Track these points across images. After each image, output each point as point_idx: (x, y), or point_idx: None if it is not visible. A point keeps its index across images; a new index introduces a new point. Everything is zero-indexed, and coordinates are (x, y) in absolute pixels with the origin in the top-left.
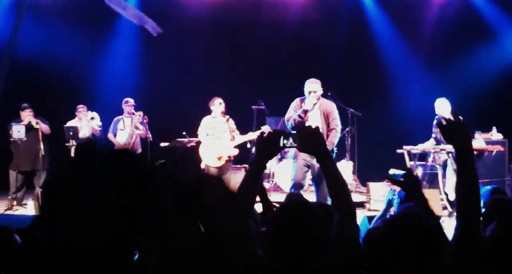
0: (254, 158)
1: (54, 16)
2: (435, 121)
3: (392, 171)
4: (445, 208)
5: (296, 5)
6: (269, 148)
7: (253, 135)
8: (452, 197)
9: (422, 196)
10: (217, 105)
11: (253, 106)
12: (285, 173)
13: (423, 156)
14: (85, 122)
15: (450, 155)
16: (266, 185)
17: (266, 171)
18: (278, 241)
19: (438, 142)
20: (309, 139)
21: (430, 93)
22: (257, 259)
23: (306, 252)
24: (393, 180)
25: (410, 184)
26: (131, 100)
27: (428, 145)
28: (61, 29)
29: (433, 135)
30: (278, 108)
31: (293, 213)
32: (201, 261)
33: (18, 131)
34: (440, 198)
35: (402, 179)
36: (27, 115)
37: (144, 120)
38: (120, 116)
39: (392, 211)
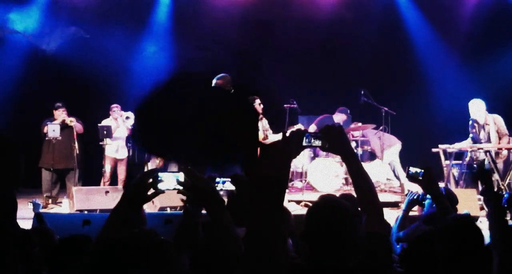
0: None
1: (88, 15)
2: (470, 122)
3: (412, 169)
4: (482, 208)
5: (327, 3)
6: (292, 147)
7: None
8: None
9: (440, 194)
10: (257, 105)
11: (285, 105)
12: (318, 171)
13: (460, 155)
14: (121, 122)
15: (487, 154)
16: (299, 184)
17: (299, 170)
18: (311, 240)
19: (475, 142)
20: (334, 138)
21: (465, 91)
22: (290, 259)
23: (340, 251)
24: (413, 177)
25: (427, 182)
26: None
27: (464, 144)
28: (95, 28)
29: (471, 135)
30: (310, 106)
31: (326, 210)
32: (233, 260)
33: (53, 131)
34: (478, 198)
35: (421, 178)
36: (60, 115)
37: None
38: None
39: (421, 211)
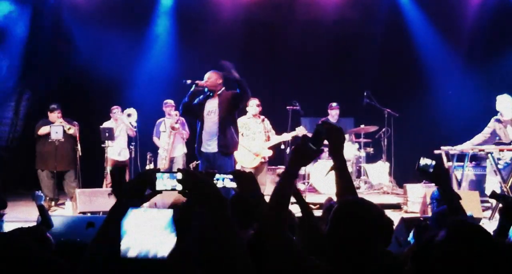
0: (288, 166)
1: (90, 17)
2: (496, 117)
3: (423, 161)
4: (485, 210)
5: (331, 4)
6: (304, 154)
7: (287, 136)
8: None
9: (452, 190)
10: (254, 106)
11: (287, 107)
12: (321, 173)
13: (462, 157)
14: (121, 123)
15: (489, 155)
16: (301, 186)
17: (301, 172)
18: (337, 242)
19: (495, 139)
20: (337, 140)
21: (468, 93)
22: (313, 264)
23: (368, 252)
24: (424, 170)
25: (439, 176)
26: (170, 102)
27: (467, 145)
28: (97, 30)
29: (486, 132)
30: (313, 108)
31: (352, 210)
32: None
33: (56, 133)
34: (480, 199)
35: (431, 170)
36: (55, 117)
37: (179, 121)
38: (162, 119)
39: (422, 213)
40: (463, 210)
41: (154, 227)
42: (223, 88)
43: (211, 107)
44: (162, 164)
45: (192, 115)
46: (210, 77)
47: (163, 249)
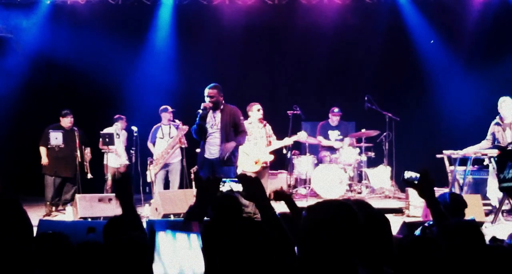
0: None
1: (90, 22)
2: (495, 120)
3: (407, 174)
4: (487, 214)
5: (332, 9)
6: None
7: (288, 141)
8: (494, 202)
9: (433, 199)
10: (255, 111)
11: (288, 112)
12: (322, 178)
13: (464, 161)
14: (122, 135)
15: (492, 159)
16: (303, 190)
17: (303, 177)
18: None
19: (495, 142)
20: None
21: (469, 96)
22: None
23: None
24: (409, 182)
25: (423, 185)
26: (170, 108)
27: (470, 149)
28: (97, 35)
29: (489, 137)
30: (314, 113)
31: (330, 213)
32: None
33: (56, 138)
34: (482, 203)
35: (416, 182)
36: (68, 122)
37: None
38: (158, 124)
39: (425, 217)
40: (444, 215)
41: (184, 248)
42: (222, 101)
43: (214, 121)
44: (153, 168)
45: (203, 135)
46: (213, 95)
47: (197, 268)
